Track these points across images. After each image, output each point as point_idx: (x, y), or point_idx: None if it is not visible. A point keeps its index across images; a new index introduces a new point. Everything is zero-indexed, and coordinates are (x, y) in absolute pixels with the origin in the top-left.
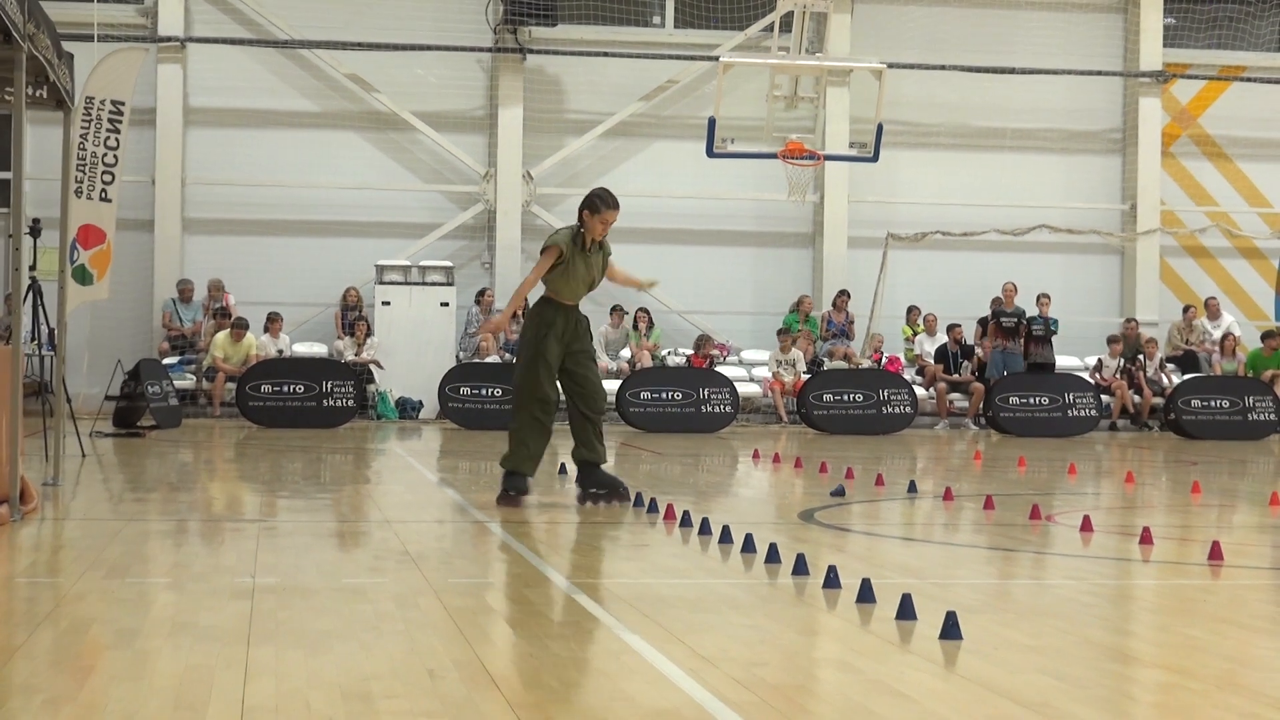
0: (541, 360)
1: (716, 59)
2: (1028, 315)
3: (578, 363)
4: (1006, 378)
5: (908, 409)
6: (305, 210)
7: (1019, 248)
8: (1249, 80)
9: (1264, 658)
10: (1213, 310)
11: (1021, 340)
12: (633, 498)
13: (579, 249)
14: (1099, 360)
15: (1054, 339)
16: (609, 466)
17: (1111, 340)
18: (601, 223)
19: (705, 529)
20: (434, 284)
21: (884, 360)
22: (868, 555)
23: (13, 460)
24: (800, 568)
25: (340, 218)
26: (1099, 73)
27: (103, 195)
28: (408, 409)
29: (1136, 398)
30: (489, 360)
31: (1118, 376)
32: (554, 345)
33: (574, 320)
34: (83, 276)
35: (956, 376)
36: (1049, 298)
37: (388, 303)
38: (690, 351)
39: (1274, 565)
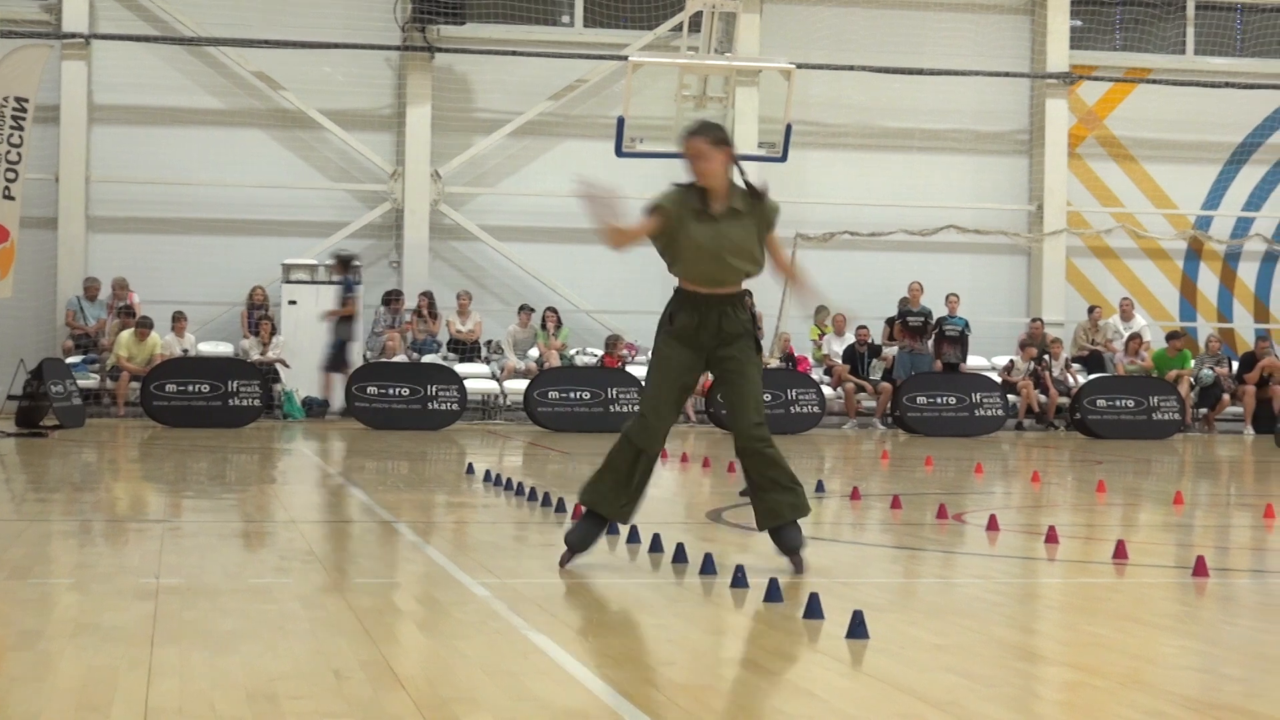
0: (656, 367)
1: (625, 58)
2: (938, 316)
3: (724, 374)
4: (914, 377)
5: (815, 409)
6: (211, 208)
7: (927, 248)
8: (1155, 82)
9: (1168, 655)
10: (1125, 311)
11: (929, 340)
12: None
13: (691, 206)
14: (1010, 362)
15: (965, 339)
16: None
17: (1024, 345)
18: (691, 156)
19: (613, 529)
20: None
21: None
22: (775, 555)
23: None
24: (708, 567)
25: (246, 216)
26: (1006, 74)
27: (5, 193)
28: (314, 408)
29: (1042, 397)
30: (396, 360)
31: (1025, 377)
32: (676, 350)
33: (711, 315)
34: None
35: (866, 384)
36: (957, 297)
37: (294, 301)
38: (600, 352)
39: (1178, 564)
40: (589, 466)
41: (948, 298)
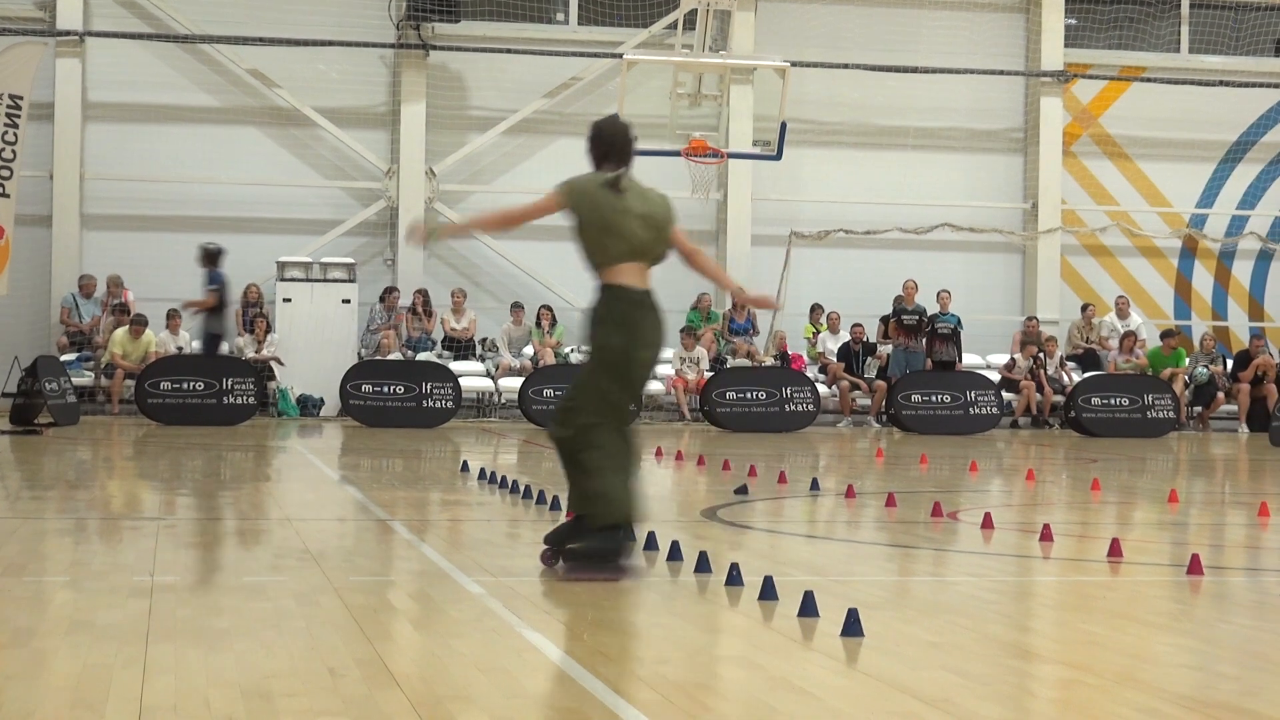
0: None
1: (620, 56)
2: (930, 313)
3: None
4: (908, 375)
5: (810, 407)
6: (206, 206)
7: (922, 246)
8: (1149, 80)
9: (1162, 653)
10: (1121, 309)
11: (923, 338)
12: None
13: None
14: (1011, 360)
15: (957, 336)
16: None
17: (1025, 343)
18: None
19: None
20: (335, 281)
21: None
22: (770, 553)
23: None
24: (703, 565)
25: (241, 214)
26: (1001, 72)
27: (0, 190)
28: (309, 406)
29: (1037, 395)
30: (391, 357)
31: (1026, 376)
32: None
33: None
34: None
35: (861, 382)
36: (949, 293)
37: (289, 299)
38: None
39: (1172, 562)
40: None
41: (939, 294)
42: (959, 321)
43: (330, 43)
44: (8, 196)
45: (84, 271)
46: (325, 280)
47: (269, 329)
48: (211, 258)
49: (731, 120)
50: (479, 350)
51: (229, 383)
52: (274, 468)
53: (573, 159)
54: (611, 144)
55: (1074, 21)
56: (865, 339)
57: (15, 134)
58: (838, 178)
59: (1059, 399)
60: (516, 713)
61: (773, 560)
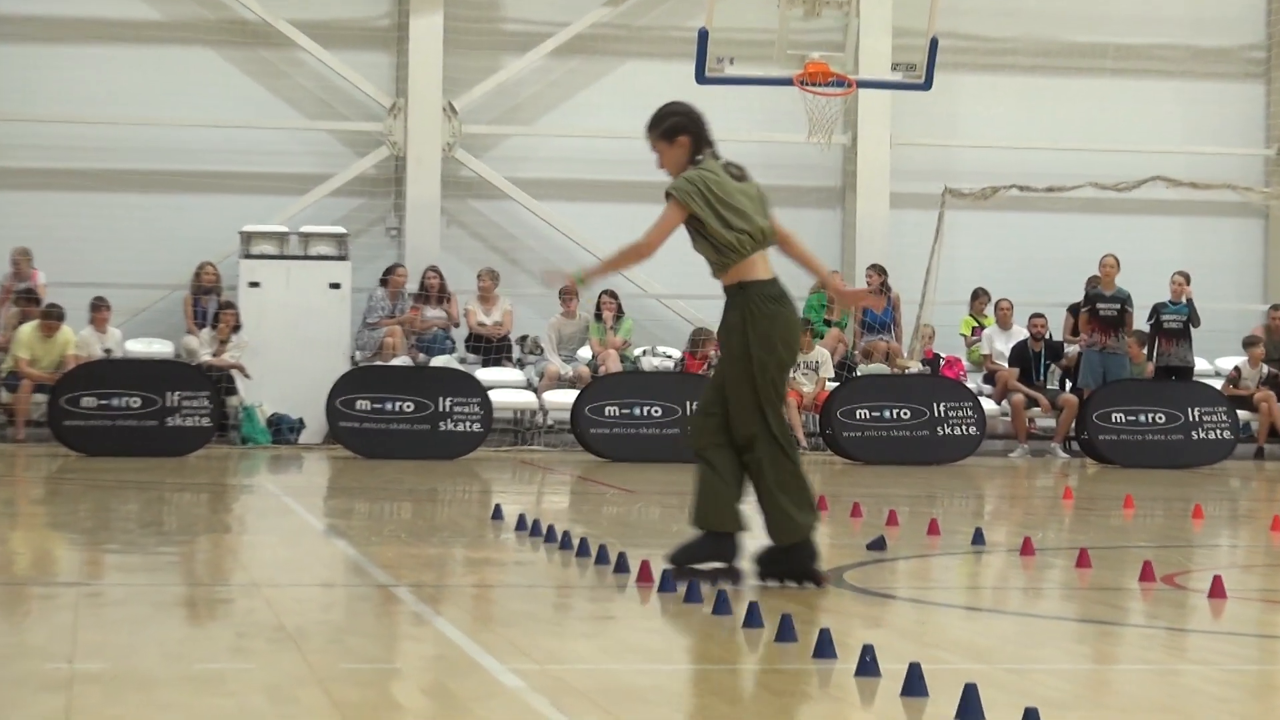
0: None
1: None
2: (1153, 302)
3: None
4: (1108, 386)
5: (972, 429)
6: (144, 157)
7: (1125, 208)
8: None
9: None
10: None
11: (1122, 335)
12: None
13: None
14: (1235, 369)
15: (1188, 332)
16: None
17: (1249, 343)
18: None
19: (693, 595)
20: (321, 258)
21: (941, 362)
22: (916, 631)
23: None
24: (824, 648)
25: (192, 166)
26: None
27: None
28: (284, 430)
29: None
30: (396, 363)
31: (1260, 387)
32: None
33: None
34: None
35: (1041, 396)
36: (1185, 277)
37: (256, 284)
38: (677, 352)
39: None
40: (659, 509)
41: (1173, 277)
42: (1192, 311)
43: None
44: None
45: None
46: (306, 257)
47: (236, 326)
48: None
49: (862, 36)
50: (517, 353)
51: (175, 398)
52: (236, 515)
53: (645, 89)
54: (703, 123)
55: None
56: (1048, 336)
57: None
58: (1008, 115)
59: None
60: None
61: (920, 641)
